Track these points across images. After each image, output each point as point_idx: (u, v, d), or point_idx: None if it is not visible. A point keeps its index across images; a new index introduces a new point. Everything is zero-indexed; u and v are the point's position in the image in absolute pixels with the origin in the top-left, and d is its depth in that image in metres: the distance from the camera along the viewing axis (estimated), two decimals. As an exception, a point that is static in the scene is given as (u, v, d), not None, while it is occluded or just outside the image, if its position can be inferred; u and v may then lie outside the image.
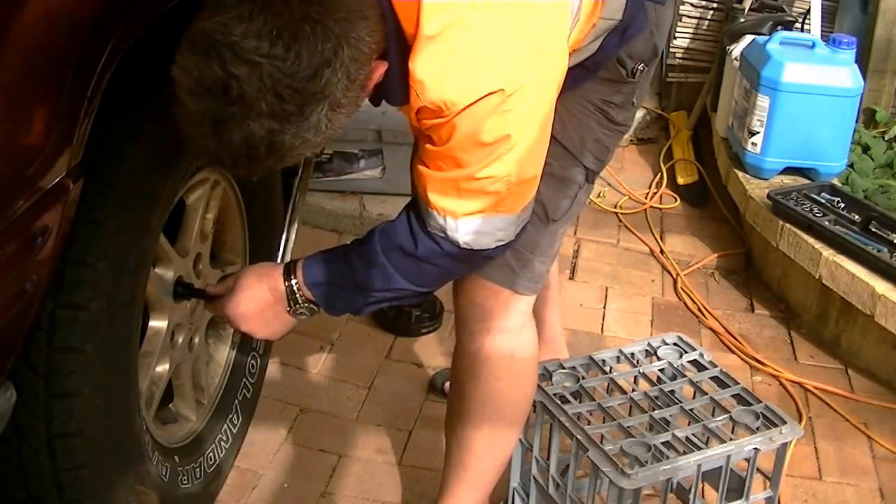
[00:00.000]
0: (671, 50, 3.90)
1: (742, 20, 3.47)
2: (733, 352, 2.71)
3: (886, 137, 3.33)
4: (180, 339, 1.83)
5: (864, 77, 3.09)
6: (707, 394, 1.94)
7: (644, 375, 2.00)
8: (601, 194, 3.45)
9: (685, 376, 1.99)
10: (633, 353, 2.06)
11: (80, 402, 1.48)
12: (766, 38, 3.12)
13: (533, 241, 1.67)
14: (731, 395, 1.93)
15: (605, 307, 2.88)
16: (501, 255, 1.59)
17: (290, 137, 1.30)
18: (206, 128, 1.29)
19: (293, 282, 1.62)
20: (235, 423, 2.06)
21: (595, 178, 1.75)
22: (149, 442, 1.70)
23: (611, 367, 2.02)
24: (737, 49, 3.32)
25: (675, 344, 2.08)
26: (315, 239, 2.81)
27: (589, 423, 1.83)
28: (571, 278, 3.01)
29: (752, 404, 1.90)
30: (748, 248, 3.21)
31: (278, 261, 2.07)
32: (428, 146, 1.46)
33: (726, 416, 1.87)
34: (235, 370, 2.07)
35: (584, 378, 1.96)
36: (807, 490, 2.23)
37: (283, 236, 2.10)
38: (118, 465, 1.59)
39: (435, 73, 1.35)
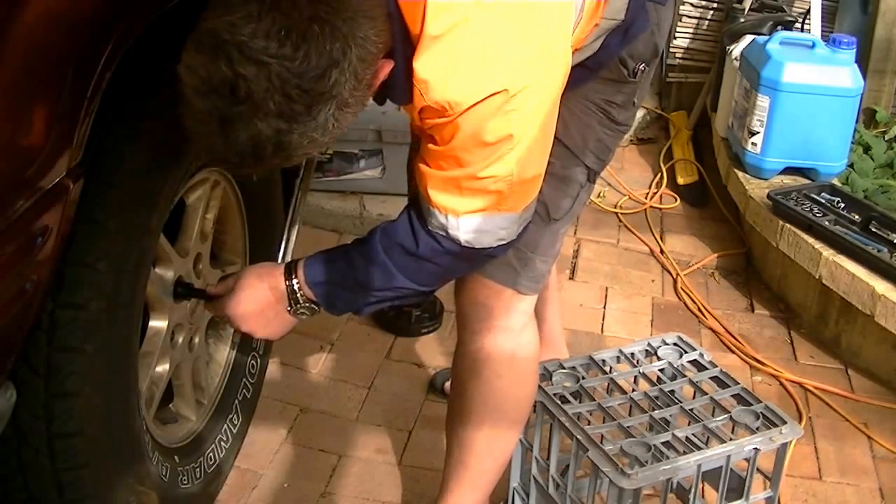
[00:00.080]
0: (671, 50, 3.90)
1: (742, 20, 3.47)
2: (733, 352, 2.71)
3: (886, 137, 3.32)
4: (180, 339, 1.83)
5: (864, 77, 3.09)
6: (707, 394, 1.94)
7: (644, 375, 2.00)
8: (601, 194, 3.45)
9: (685, 376, 1.99)
10: (633, 353, 2.06)
11: (80, 402, 1.48)
12: (766, 38, 3.12)
13: (534, 240, 1.67)
14: (731, 395, 1.93)
15: (605, 307, 2.88)
16: (503, 255, 1.59)
17: (298, 137, 1.30)
18: (213, 127, 1.29)
19: (294, 281, 1.61)
20: (235, 423, 2.05)
21: (596, 177, 1.75)
22: (149, 442, 1.70)
23: (611, 367, 2.02)
24: (737, 49, 3.31)
25: (675, 344, 2.08)
26: (315, 239, 2.81)
27: (589, 423, 1.83)
28: (571, 278, 3.00)
29: (752, 404, 1.90)
30: (748, 248, 3.20)
31: (279, 261, 2.07)
32: (430, 145, 1.45)
33: (726, 416, 1.87)
34: (235, 370, 2.07)
35: (584, 378, 1.96)
36: (807, 490, 2.23)
37: (284, 236, 2.10)
38: (118, 465, 1.59)
39: (439, 72, 1.35)
